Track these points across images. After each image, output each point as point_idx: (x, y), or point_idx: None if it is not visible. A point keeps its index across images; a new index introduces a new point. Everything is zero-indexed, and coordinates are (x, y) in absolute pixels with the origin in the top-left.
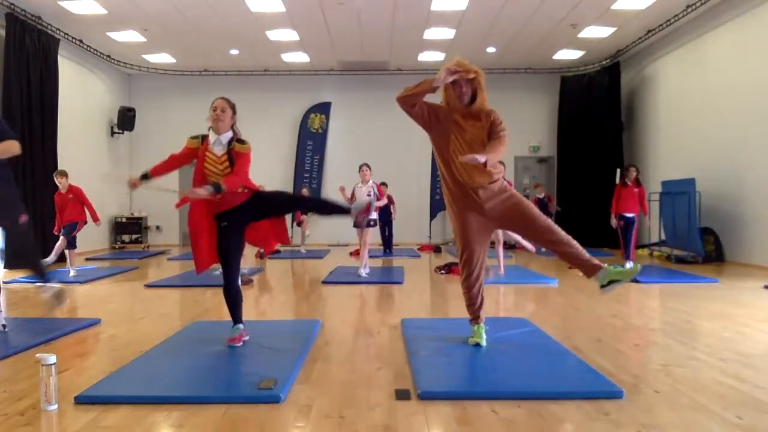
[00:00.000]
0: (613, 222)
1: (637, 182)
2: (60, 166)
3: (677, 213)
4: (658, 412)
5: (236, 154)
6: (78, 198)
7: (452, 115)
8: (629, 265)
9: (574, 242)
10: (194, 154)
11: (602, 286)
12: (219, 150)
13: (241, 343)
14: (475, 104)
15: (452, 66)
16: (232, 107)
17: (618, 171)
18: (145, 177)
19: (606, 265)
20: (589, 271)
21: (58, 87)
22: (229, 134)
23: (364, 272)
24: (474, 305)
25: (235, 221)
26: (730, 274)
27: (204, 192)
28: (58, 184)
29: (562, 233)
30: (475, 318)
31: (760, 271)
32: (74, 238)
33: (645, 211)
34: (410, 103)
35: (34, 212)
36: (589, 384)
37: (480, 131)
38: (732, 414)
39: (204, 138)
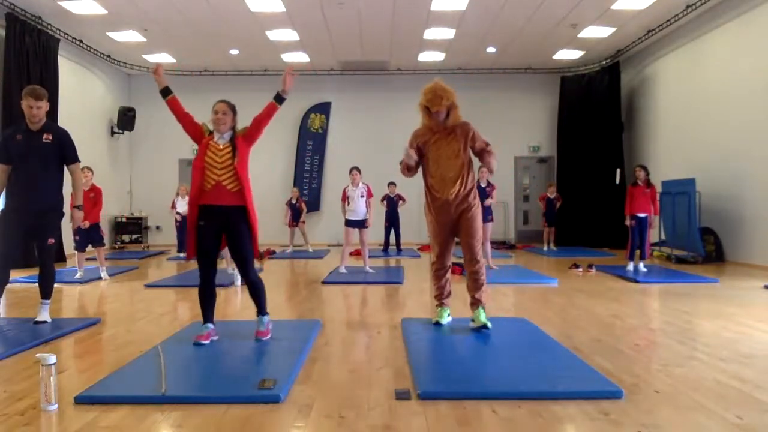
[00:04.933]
0: (627, 222)
1: (648, 182)
2: None
3: (677, 213)
4: (658, 412)
5: (243, 132)
6: (97, 198)
7: (429, 135)
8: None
9: (483, 277)
10: (197, 132)
11: (473, 325)
12: (222, 142)
13: (208, 341)
14: (449, 120)
15: (426, 97)
16: (233, 109)
17: (618, 171)
18: (167, 91)
19: (482, 308)
20: (473, 303)
21: (58, 87)
22: (230, 133)
23: (343, 269)
24: (441, 293)
25: (211, 224)
26: (730, 274)
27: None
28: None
29: (480, 263)
30: (440, 303)
31: (760, 271)
32: (100, 236)
33: (655, 210)
34: (411, 170)
35: None
36: (589, 384)
37: (453, 143)
38: (732, 414)
39: (211, 132)
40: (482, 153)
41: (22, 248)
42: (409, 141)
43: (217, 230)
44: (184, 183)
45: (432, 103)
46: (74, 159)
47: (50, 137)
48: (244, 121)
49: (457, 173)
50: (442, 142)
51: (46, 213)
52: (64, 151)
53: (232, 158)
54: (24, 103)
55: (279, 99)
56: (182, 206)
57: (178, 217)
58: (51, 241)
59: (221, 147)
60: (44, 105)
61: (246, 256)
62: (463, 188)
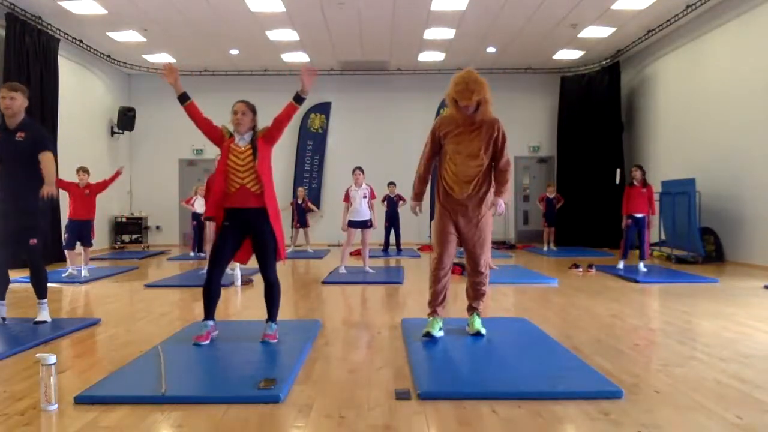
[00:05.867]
0: (624, 222)
1: (644, 182)
2: (60, 166)
3: (677, 213)
4: (658, 412)
5: (263, 132)
6: (93, 192)
7: (452, 126)
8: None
9: (484, 287)
10: (218, 136)
11: (468, 330)
12: (243, 143)
13: (207, 341)
14: (478, 114)
15: (456, 89)
16: (252, 109)
17: (618, 171)
18: (185, 97)
19: (477, 314)
20: (469, 309)
21: (58, 87)
22: (251, 133)
23: (342, 269)
24: (436, 300)
25: (236, 227)
26: (730, 274)
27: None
28: (78, 179)
29: (484, 274)
30: (433, 312)
31: (760, 271)
32: (90, 236)
33: (653, 210)
34: (428, 173)
35: None
36: (589, 384)
37: (475, 141)
38: (732, 414)
39: (231, 134)
40: (497, 176)
41: (17, 248)
42: (430, 132)
43: (241, 232)
44: (202, 183)
45: (461, 96)
46: (44, 148)
47: (23, 135)
48: (260, 122)
49: (474, 174)
50: (463, 137)
51: (24, 213)
52: (35, 145)
53: (254, 160)
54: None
55: (298, 99)
56: (200, 206)
57: (196, 211)
58: (33, 241)
59: (242, 149)
60: (18, 97)
61: (269, 257)
62: (476, 190)
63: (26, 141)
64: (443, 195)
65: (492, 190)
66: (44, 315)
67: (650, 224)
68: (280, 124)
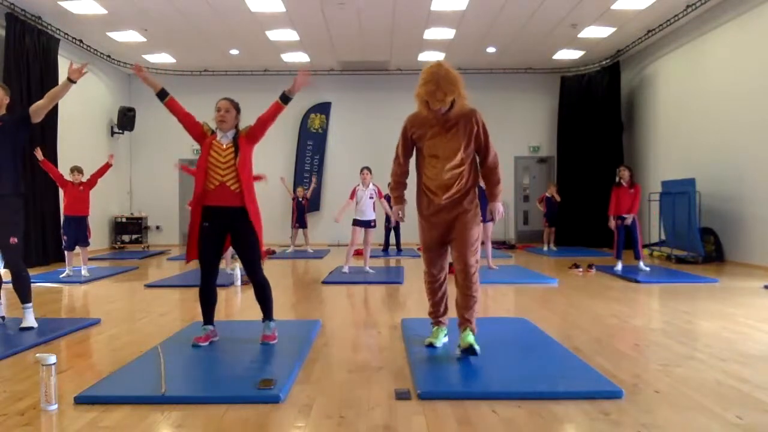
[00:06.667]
0: (611, 223)
1: (631, 182)
2: (60, 166)
3: (677, 213)
4: (658, 412)
5: (246, 131)
6: (87, 189)
7: (426, 128)
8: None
9: (474, 294)
10: (199, 132)
11: (461, 346)
12: (225, 141)
13: (207, 343)
14: (452, 111)
15: (427, 89)
16: (236, 107)
17: (618, 171)
18: (164, 93)
19: (471, 330)
20: (461, 323)
21: None
22: (233, 131)
23: (346, 269)
24: (438, 312)
25: (216, 225)
26: (730, 274)
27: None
28: (72, 179)
29: (474, 276)
30: (437, 322)
31: (760, 271)
32: (86, 235)
33: (634, 210)
34: (405, 176)
35: (35, 213)
36: (589, 384)
37: (453, 140)
38: (732, 414)
39: (213, 132)
40: (488, 175)
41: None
42: (401, 132)
43: (221, 231)
44: None
45: (432, 98)
46: (25, 109)
47: (1, 123)
48: (246, 121)
49: (456, 175)
50: (440, 139)
51: (3, 204)
52: (14, 125)
53: (235, 158)
54: None
55: (284, 99)
56: None
57: None
58: (14, 240)
59: (224, 147)
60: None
61: (252, 256)
62: (458, 191)
63: (5, 125)
64: (426, 206)
65: (474, 188)
66: (30, 320)
67: (627, 222)
68: (264, 123)
